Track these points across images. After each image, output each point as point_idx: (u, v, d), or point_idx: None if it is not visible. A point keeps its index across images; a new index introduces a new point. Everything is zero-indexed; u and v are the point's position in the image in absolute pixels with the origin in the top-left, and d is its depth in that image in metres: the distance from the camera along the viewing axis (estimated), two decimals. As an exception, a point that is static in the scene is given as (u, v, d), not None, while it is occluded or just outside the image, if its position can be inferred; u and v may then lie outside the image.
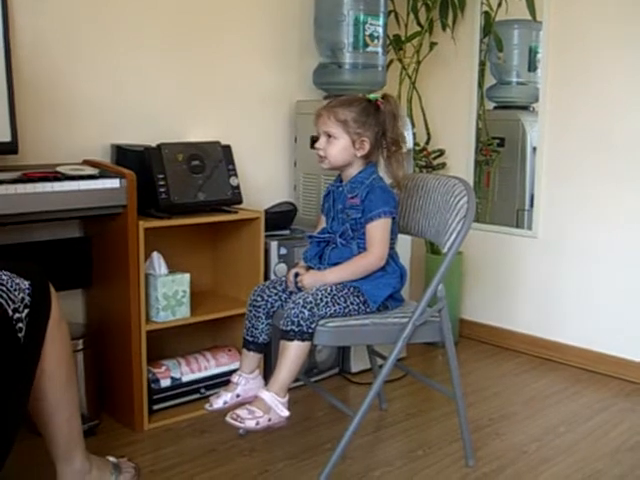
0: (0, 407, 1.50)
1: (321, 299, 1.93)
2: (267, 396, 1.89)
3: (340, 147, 2.03)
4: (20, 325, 1.54)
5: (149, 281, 2.35)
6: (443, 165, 3.42)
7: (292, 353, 1.90)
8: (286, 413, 1.90)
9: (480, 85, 3.36)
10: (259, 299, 2.09)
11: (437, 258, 3.20)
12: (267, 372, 2.36)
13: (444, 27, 3.32)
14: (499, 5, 3.22)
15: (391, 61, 3.23)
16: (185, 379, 2.49)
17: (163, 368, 2.46)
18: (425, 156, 3.35)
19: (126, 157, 2.42)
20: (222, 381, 2.47)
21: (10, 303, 1.52)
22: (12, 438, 1.55)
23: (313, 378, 2.77)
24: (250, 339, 2.10)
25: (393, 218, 2.04)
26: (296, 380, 2.02)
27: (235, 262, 2.67)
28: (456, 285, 3.34)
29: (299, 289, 2.04)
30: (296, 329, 1.89)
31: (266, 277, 2.58)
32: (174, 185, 2.38)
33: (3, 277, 1.55)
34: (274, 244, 2.62)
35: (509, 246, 3.31)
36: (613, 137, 2.92)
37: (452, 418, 2.39)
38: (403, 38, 3.26)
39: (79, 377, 2.19)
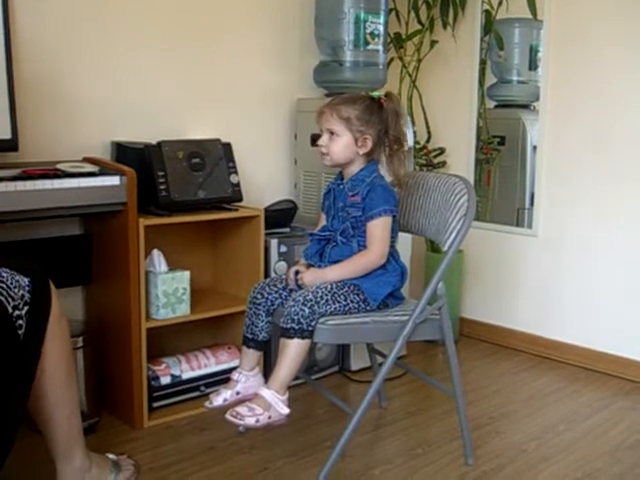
0: (0, 405, 1.50)
1: (321, 297, 1.93)
2: (267, 394, 1.89)
3: (342, 144, 2.03)
4: (20, 322, 1.54)
5: (149, 278, 2.35)
6: (443, 163, 3.42)
7: (292, 351, 1.90)
8: (286, 411, 1.90)
9: (481, 83, 3.36)
10: (259, 297, 2.09)
11: (437, 256, 3.20)
12: (267, 370, 2.36)
13: (445, 25, 3.31)
14: (500, 3, 3.22)
15: (392, 59, 3.22)
16: (185, 377, 2.49)
17: (163, 365, 2.46)
18: (425, 154, 3.35)
19: (126, 154, 2.42)
20: (222, 379, 2.47)
21: (10, 300, 1.52)
22: (12, 436, 1.55)
23: (313, 376, 2.77)
24: (250, 337, 2.10)
25: (394, 216, 2.04)
26: (296, 378, 2.02)
27: (235, 260, 2.67)
28: (456, 283, 3.34)
29: (299, 287, 2.04)
30: (296, 327, 1.89)
31: (266, 275, 2.58)
32: (174, 182, 2.38)
33: (3, 274, 1.55)
34: (274, 242, 2.62)
35: (509, 245, 3.31)
36: (614, 136, 2.92)
37: (452, 416, 2.39)
38: (404, 36, 3.26)
39: (79, 375, 2.19)
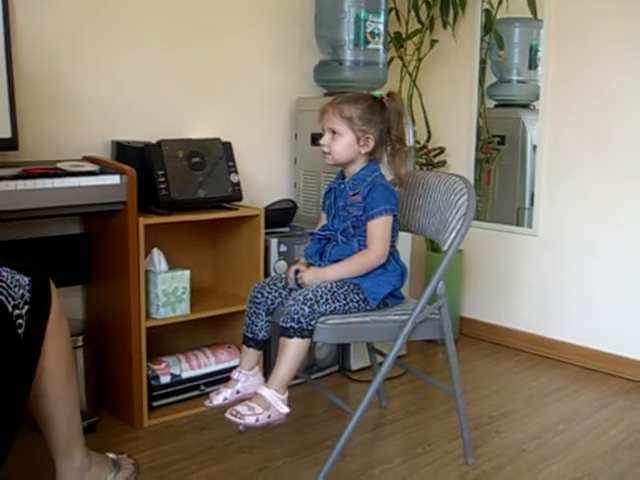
0: (0, 404, 1.50)
1: (321, 296, 1.93)
2: (267, 393, 1.89)
3: (344, 144, 2.03)
4: (20, 322, 1.54)
5: (149, 278, 2.35)
6: (443, 163, 3.42)
7: (292, 350, 1.90)
8: (286, 410, 1.90)
9: (481, 83, 3.36)
10: (259, 296, 2.09)
11: (437, 256, 3.20)
12: (267, 369, 2.36)
13: (445, 25, 3.32)
14: (500, 3, 3.22)
15: (392, 58, 3.22)
16: (185, 376, 2.49)
17: (163, 365, 2.46)
18: (425, 154, 3.35)
19: (126, 153, 2.42)
20: (222, 378, 2.47)
21: (10, 299, 1.52)
22: (12, 435, 1.55)
23: (313, 375, 2.77)
24: (250, 336, 2.10)
25: (394, 216, 2.04)
26: (296, 377, 2.02)
27: (235, 259, 2.67)
28: (456, 283, 3.34)
29: (299, 286, 2.04)
30: (296, 326, 1.89)
31: (266, 274, 2.58)
32: (174, 182, 2.38)
33: (3, 273, 1.55)
34: (274, 241, 2.62)
35: (509, 244, 3.31)
36: (613, 135, 2.92)
37: (452, 416, 2.39)
38: (404, 35, 3.26)
39: (79, 374, 2.19)
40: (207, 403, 2.10)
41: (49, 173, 2.06)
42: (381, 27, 2.89)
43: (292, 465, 2.16)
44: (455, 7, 3.29)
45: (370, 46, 2.86)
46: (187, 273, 2.41)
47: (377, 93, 2.07)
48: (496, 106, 3.40)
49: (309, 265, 2.11)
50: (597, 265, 3.02)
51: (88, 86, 2.45)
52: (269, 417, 1.88)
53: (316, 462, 2.14)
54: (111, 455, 1.96)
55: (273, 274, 2.59)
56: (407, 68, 3.27)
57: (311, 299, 1.92)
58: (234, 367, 2.18)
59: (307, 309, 1.90)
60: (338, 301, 1.96)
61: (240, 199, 2.56)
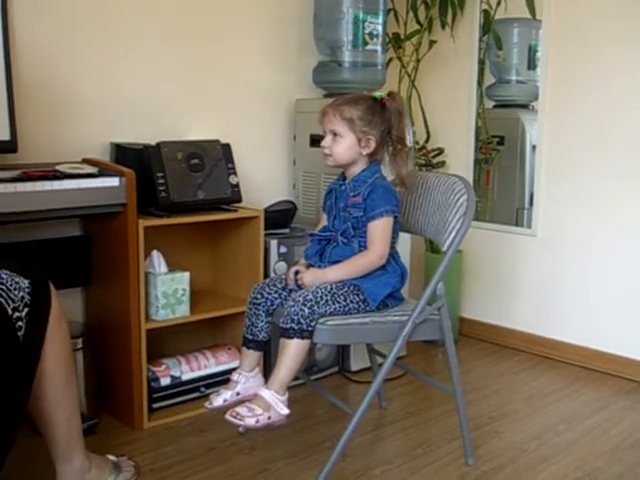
0: (0, 407, 1.50)
1: (321, 297, 1.93)
2: (267, 394, 1.89)
3: (346, 145, 2.02)
4: (20, 324, 1.54)
5: (149, 279, 2.35)
6: (443, 163, 3.42)
7: (292, 351, 1.90)
8: (286, 411, 1.90)
9: (479, 83, 3.36)
10: (259, 297, 2.09)
11: (437, 256, 3.20)
12: (267, 370, 2.36)
13: (443, 25, 3.31)
14: (498, 3, 3.22)
15: (390, 59, 3.22)
16: (185, 377, 2.49)
17: (163, 367, 2.46)
18: (425, 154, 3.35)
19: (125, 155, 2.42)
20: (222, 379, 2.47)
21: (10, 302, 1.52)
22: (12, 437, 1.55)
23: (313, 376, 2.77)
24: (250, 337, 2.10)
25: (395, 217, 2.04)
26: (296, 378, 2.02)
27: (235, 260, 2.67)
28: (456, 283, 3.34)
29: (299, 287, 2.04)
30: (296, 327, 1.89)
31: (266, 275, 2.58)
32: (173, 183, 2.38)
33: (3, 276, 1.55)
34: (274, 242, 2.62)
35: (508, 244, 3.31)
36: (612, 135, 2.92)
37: (452, 416, 2.39)
38: (402, 36, 3.26)
39: (79, 376, 2.19)
40: (207, 405, 2.10)
41: (48, 175, 2.06)
42: (380, 28, 2.89)
43: (292, 466, 2.16)
44: (454, 7, 3.29)
45: (368, 47, 2.86)
46: (187, 275, 2.41)
47: (377, 94, 2.07)
48: (495, 106, 3.40)
49: (309, 266, 2.11)
50: (597, 265, 3.02)
51: (87, 87, 2.45)
52: (269, 418, 1.88)
53: (316, 463, 2.14)
54: (111, 457, 1.96)
55: (273, 275, 2.59)
56: (406, 69, 3.27)
57: (311, 300, 1.92)
58: (234, 369, 2.18)
59: (307, 310, 1.90)
60: (338, 302, 1.96)
61: (239, 200, 2.56)
